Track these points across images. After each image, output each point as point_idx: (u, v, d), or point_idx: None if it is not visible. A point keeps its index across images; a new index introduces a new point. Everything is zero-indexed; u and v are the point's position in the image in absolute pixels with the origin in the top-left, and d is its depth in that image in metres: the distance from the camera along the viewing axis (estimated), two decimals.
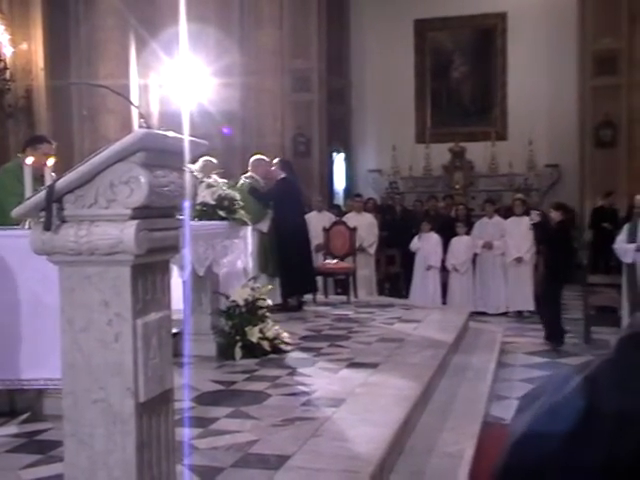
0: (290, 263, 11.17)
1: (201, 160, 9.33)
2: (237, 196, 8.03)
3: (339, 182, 25.16)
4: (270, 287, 8.38)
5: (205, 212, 7.78)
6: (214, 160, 9.96)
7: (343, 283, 13.98)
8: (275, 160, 11.57)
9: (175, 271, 6.34)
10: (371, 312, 11.76)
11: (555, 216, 11.83)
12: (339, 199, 23.84)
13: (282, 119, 20.85)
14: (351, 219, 14.82)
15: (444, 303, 15.05)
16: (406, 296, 15.69)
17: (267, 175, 11.18)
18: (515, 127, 23.89)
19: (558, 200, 15.49)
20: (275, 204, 11.07)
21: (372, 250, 15.22)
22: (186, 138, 3.49)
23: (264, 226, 10.98)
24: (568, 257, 11.59)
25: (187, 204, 3.67)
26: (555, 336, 11.54)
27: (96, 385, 3.28)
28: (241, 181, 10.90)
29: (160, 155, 3.32)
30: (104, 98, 16.37)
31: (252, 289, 7.87)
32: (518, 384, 8.82)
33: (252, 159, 11.43)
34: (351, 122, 25.33)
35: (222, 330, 7.92)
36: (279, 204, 11.06)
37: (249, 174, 11.19)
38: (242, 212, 7.96)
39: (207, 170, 8.89)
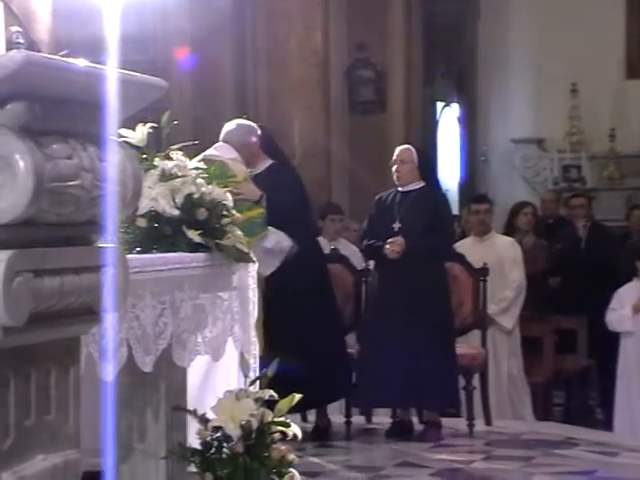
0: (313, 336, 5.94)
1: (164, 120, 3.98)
2: (228, 199, 3.87)
3: (449, 167, 12.75)
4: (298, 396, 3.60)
5: (158, 233, 3.71)
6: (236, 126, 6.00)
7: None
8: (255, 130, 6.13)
9: (90, 364, 2.95)
10: (522, 460, 5.71)
11: None
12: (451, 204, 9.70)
13: (325, 28, 10.38)
14: (472, 249, 7.24)
15: None
16: (606, 423, 7.70)
17: (253, 159, 6.02)
18: None
19: None
20: (287, 217, 5.82)
21: (507, 320, 7.43)
22: (113, 71, 2.04)
23: (268, 263, 5.52)
24: None
25: (117, 217, 2.11)
26: None
27: None
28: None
29: (58, 109, 1.98)
30: None
31: (258, 401, 3.55)
32: None
33: (232, 126, 5.99)
34: (478, 38, 12.95)
35: None
36: (293, 218, 5.93)
37: (229, 155, 5.65)
38: (239, 233, 3.86)
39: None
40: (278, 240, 5.65)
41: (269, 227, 5.46)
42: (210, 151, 5.48)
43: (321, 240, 7.13)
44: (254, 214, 5.25)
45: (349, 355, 6.30)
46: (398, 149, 6.45)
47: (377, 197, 6.47)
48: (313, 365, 5.59)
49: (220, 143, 5.80)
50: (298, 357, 5.22)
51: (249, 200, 5.32)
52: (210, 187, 3.74)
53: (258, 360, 4.00)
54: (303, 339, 5.77)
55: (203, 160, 4.12)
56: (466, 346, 6.60)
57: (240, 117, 6.37)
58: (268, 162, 6.06)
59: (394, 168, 6.29)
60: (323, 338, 5.98)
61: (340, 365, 6.10)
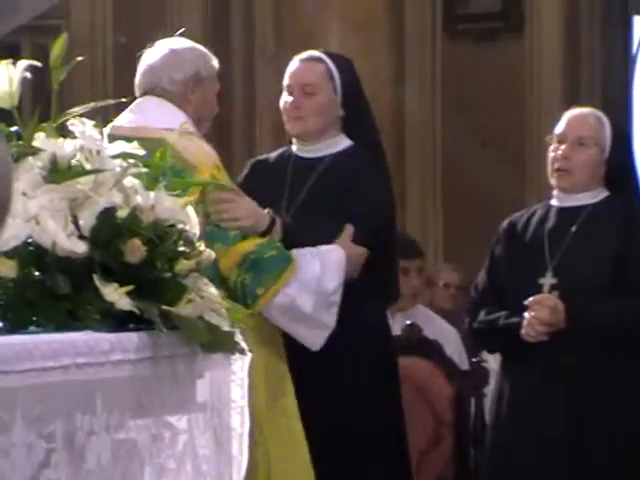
0: None
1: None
2: (192, 219, 1.97)
3: None
4: None
5: (40, 290, 1.82)
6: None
7: None
8: None
9: None
10: None
11: None
12: None
13: None
14: None
15: None
16: None
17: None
18: None
19: None
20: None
21: None
22: None
23: (310, 332, 2.89)
24: None
25: None
26: None
27: None
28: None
29: None
30: None
31: None
32: None
33: (161, 56, 3.00)
34: None
35: None
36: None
37: (168, 120, 2.89)
38: (212, 291, 1.90)
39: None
40: (317, 289, 2.82)
41: (292, 258, 2.81)
42: (122, 119, 2.89)
43: None
44: (254, 246, 2.79)
45: None
46: (570, 114, 3.42)
47: (506, 222, 3.49)
48: None
49: (144, 98, 2.96)
50: None
51: (243, 229, 2.82)
52: (153, 193, 1.88)
53: None
54: None
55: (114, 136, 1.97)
56: None
57: (173, 36, 3.07)
58: (344, 142, 3.15)
59: (555, 154, 3.34)
60: None
61: None
